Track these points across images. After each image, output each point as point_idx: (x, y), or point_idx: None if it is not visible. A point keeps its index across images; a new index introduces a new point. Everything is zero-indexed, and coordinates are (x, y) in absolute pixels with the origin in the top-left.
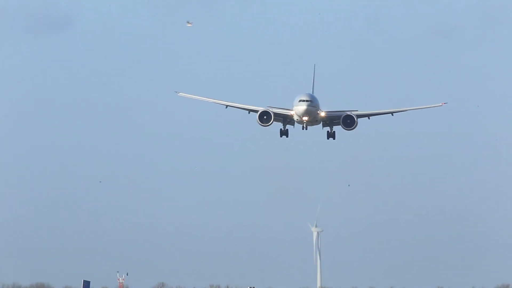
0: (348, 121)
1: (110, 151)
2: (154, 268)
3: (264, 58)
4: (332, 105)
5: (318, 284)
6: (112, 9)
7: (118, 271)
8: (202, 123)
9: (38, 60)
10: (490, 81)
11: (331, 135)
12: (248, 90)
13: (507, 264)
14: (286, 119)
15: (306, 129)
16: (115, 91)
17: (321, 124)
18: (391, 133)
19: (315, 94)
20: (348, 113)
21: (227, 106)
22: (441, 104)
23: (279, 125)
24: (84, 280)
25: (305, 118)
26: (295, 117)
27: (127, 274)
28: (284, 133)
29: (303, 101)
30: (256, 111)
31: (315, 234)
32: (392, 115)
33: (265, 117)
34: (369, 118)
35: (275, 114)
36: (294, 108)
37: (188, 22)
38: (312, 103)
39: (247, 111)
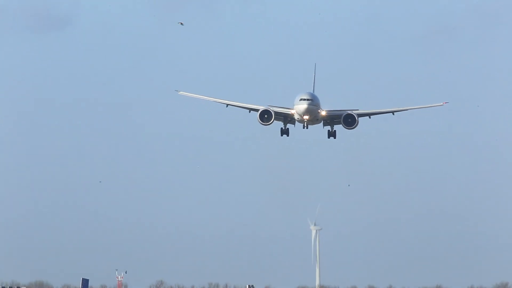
0: (349, 120)
1: (110, 150)
2: (153, 266)
3: (265, 57)
4: (333, 104)
5: (317, 283)
6: (112, 8)
7: (117, 269)
8: (203, 122)
9: (38, 59)
10: (490, 81)
11: (331, 134)
12: (249, 89)
13: (505, 263)
14: (287, 118)
15: (307, 128)
16: (116, 91)
17: (321, 123)
18: (392, 132)
19: (316, 93)
20: (349, 112)
21: (227, 105)
22: (442, 103)
23: (280, 124)
24: (83, 278)
25: (306, 117)
26: (296, 116)
27: (125, 272)
28: (284, 132)
29: (304, 100)
30: (256, 110)
31: (313, 232)
32: (393, 114)
33: (265, 116)
34: (370, 117)
35: (275, 113)
36: (295, 107)
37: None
38: (313, 102)
39: (248, 110)
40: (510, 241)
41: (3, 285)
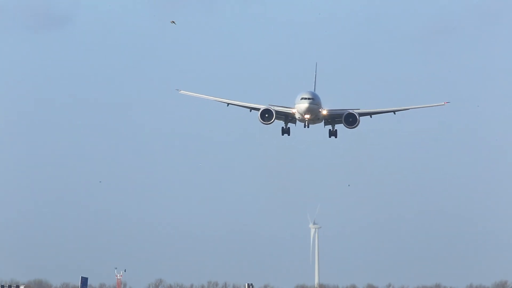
0: (350, 120)
1: (111, 149)
2: (152, 265)
3: (266, 56)
4: (334, 103)
5: (316, 281)
6: (112, 7)
7: (116, 268)
8: (204, 122)
9: (38, 58)
10: (490, 80)
11: (333, 133)
12: (250, 88)
13: (504, 261)
14: (288, 117)
15: (308, 127)
16: (116, 90)
17: (323, 122)
18: (393, 131)
19: (317, 93)
20: (350, 111)
21: (228, 104)
22: (443, 103)
23: (281, 123)
24: (82, 277)
25: (307, 116)
26: (297, 115)
27: (125, 271)
28: (285, 131)
29: (305, 99)
30: (257, 109)
31: (312, 231)
32: (394, 114)
33: (266, 115)
34: (371, 117)
35: (276, 112)
36: (296, 106)
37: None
38: (314, 101)
39: (249, 109)
40: (509, 240)
41: (2, 284)
